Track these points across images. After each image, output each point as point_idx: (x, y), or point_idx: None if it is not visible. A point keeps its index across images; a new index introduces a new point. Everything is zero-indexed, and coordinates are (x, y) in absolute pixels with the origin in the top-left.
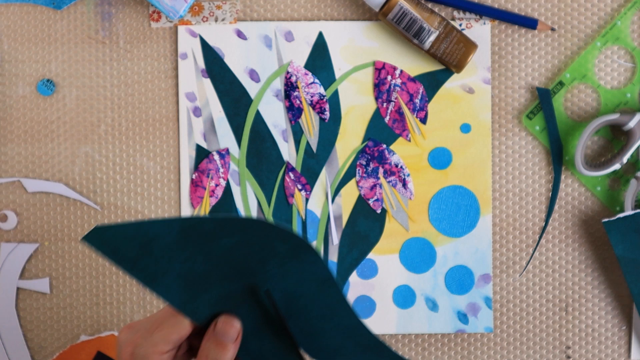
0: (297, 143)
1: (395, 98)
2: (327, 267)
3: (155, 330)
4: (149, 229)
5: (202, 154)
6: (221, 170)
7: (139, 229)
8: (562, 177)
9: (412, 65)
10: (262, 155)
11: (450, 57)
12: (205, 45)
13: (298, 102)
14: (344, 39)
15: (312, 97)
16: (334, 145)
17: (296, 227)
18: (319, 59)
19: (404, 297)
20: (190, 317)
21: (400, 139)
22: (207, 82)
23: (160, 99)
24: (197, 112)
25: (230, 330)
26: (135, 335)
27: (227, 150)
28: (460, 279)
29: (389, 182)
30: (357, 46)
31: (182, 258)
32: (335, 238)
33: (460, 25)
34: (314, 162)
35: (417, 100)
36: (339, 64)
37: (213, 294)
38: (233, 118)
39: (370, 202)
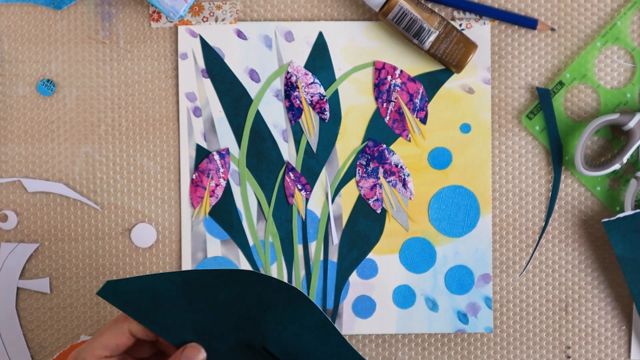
0: (297, 143)
1: (395, 98)
2: (322, 312)
3: (96, 336)
4: (153, 283)
5: (202, 154)
6: (221, 170)
7: (144, 283)
8: (562, 177)
9: (412, 65)
10: (262, 155)
11: (450, 57)
12: (205, 45)
13: (298, 102)
14: (344, 39)
15: (312, 97)
16: (334, 145)
17: (296, 227)
18: (319, 59)
19: (404, 297)
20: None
21: (400, 139)
22: (207, 82)
23: (161, 99)
24: (197, 112)
25: (196, 356)
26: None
27: (227, 150)
28: (460, 279)
29: (389, 182)
30: (357, 46)
31: (189, 310)
32: (335, 238)
33: (460, 25)
34: (314, 162)
35: (417, 100)
36: (339, 64)
37: (225, 343)
38: (233, 118)
39: (370, 202)
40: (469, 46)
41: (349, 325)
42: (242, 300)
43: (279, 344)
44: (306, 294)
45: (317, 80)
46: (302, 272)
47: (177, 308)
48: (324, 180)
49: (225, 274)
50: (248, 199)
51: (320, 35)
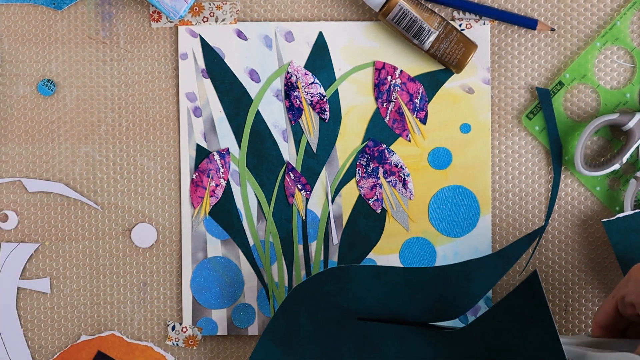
0: (297, 143)
1: (395, 98)
2: (368, 265)
3: None
4: (258, 358)
5: (202, 154)
6: (221, 170)
7: None
8: (562, 177)
9: (412, 65)
10: (262, 155)
11: (450, 57)
12: (205, 46)
13: (298, 102)
14: (344, 39)
15: (312, 97)
16: (334, 145)
17: (296, 227)
18: (319, 59)
19: None
20: None
21: (400, 139)
22: (208, 82)
23: (161, 99)
24: (197, 112)
25: None
26: None
27: (228, 150)
28: None
29: (389, 182)
30: (357, 46)
31: (298, 356)
32: (335, 238)
33: (460, 25)
34: (314, 162)
35: (417, 101)
36: (339, 64)
37: (349, 349)
38: (233, 118)
39: (370, 202)
40: (469, 46)
41: None
42: (318, 312)
43: (369, 313)
44: (344, 265)
45: (317, 80)
46: (303, 272)
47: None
48: (324, 180)
49: (284, 306)
50: (248, 199)
51: (320, 35)
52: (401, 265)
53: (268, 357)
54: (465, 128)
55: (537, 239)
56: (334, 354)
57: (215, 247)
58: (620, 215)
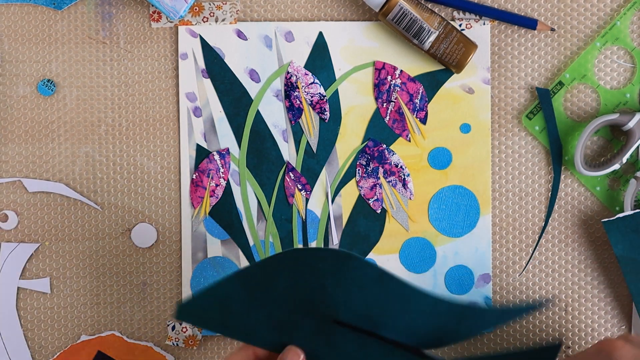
0: (297, 143)
1: (395, 98)
2: (374, 265)
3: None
4: (217, 291)
5: (202, 154)
6: (221, 170)
7: (210, 294)
8: (562, 177)
9: (412, 65)
10: (262, 155)
11: (450, 58)
12: (205, 46)
13: (298, 102)
14: (344, 39)
15: (312, 97)
16: (334, 145)
17: (296, 227)
18: (319, 59)
19: None
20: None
21: (400, 139)
22: (208, 82)
23: (161, 99)
24: (197, 112)
25: (294, 358)
26: None
27: (228, 150)
28: (460, 279)
29: (389, 182)
30: (357, 46)
31: (258, 307)
32: (335, 238)
33: (460, 25)
34: (314, 162)
35: (417, 101)
36: (339, 64)
37: (305, 330)
38: (233, 118)
39: (370, 202)
40: (469, 46)
41: None
42: (300, 282)
43: (351, 312)
44: (352, 253)
45: (317, 80)
46: None
47: (246, 308)
48: (324, 180)
49: (270, 261)
50: (248, 199)
51: (320, 35)
52: (404, 279)
53: (230, 292)
54: (465, 128)
55: (538, 239)
56: (288, 326)
57: (215, 247)
58: (620, 215)
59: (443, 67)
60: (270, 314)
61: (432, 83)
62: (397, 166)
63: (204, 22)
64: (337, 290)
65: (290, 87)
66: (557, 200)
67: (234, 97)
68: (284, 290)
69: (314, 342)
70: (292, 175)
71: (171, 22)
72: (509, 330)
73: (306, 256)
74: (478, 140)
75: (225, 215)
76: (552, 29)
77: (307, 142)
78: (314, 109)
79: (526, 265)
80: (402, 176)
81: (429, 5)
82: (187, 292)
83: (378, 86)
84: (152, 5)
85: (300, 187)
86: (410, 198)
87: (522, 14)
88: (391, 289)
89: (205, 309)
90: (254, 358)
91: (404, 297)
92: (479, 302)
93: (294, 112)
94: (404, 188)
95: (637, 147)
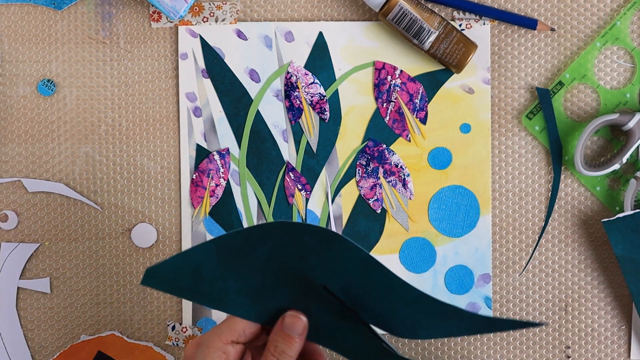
0: (297, 143)
1: (395, 98)
2: (361, 248)
3: (223, 322)
4: (190, 257)
5: (202, 154)
6: (221, 170)
7: (182, 260)
8: (562, 177)
9: (412, 65)
10: (262, 155)
11: (450, 57)
12: (205, 46)
13: (298, 102)
14: (344, 39)
15: (312, 97)
16: (334, 145)
17: None
18: (319, 59)
19: None
20: (264, 324)
21: (400, 139)
22: (208, 82)
23: (161, 99)
24: (197, 112)
25: (297, 323)
26: (204, 334)
27: (227, 150)
28: (460, 279)
29: (389, 182)
30: (357, 46)
31: (232, 275)
32: None
33: (460, 25)
34: (314, 162)
35: (417, 101)
36: (339, 64)
37: (279, 299)
38: (233, 118)
39: (370, 202)
40: (469, 46)
41: None
42: (279, 253)
43: (330, 287)
44: (341, 235)
45: (317, 80)
46: None
47: (220, 277)
48: (324, 180)
49: (254, 230)
50: (248, 199)
51: (320, 35)
52: (394, 271)
53: (204, 259)
54: (465, 128)
55: (538, 239)
56: (262, 294)
57: None
58: (620, 215)
59: (443, 67)
60: (245, 281)
61: (432, 83)
62: (397, 166)
63: (204, 22)
64: (320, 264)
65: (290, 87)
66: (557, 200)
67: (234, 97)
68: (263, 260)
69: (285, 310)
70: (292, 175)
71: (171, 22)
72: (509, 331)
73: (293, 229)
74: (478, 140)
75: (225, 215)
76: (552, 29)
77: (307, 142)
78: (314, 109)
79: (526, 265)
80: (402, 176)
81: (429, 5)
82: None
83: (378, 86)
84: (152, 5)
85: (300, 187)
86: (410, 198)
87: (522, 14)
88: (375, 275)
89: (175, 274)
90: (241, 332)
91: (386, 284)
92: (466, 307)
93: (294, 112)
94: (404, 188)
95: (637, 147)
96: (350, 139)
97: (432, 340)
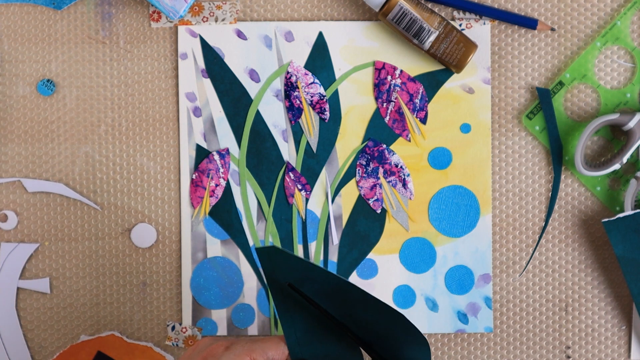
0: (297, 143)
1: (395, 98)
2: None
3: (256, 341)
4: (312, 270)
5: (202, 154)
6: (221, 170)
7: (304, 266)
8: (562, 177)
9: (412, 65)
10: (262, 155)
11: (450, 57)
12: (205, 46)
13: (298, 102)
14: (344, 39)
15: (312, 97)
16: (334, 145)
17: (296, 227)
18: (319, 59)
19: (404, 297)
20: (292, 355)
21: (400, 139)
22: (207, 82)
23: (161, 99)
24: (197, 112)
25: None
26: (234, 340)
27: (227, 150)
28: (460, 279)
29: (389, 182)
30: (357, 46)
31: (316, 306)
32: (335, 238)
33: (460, 25)
34: (314, 162)
35: (417, 100)
36: (339, 64)
37: (323, 349)
38: (233, 118)
39: (370, 202)
40: (469, 46)
41: None
42: (371, 324)
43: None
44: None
45: (317, 80)
46: None
47: (309, 300)
48: (324, 180)
49: (374, 302)
50: (248, 199)
51: (320, 35)
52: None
53: (318, 277)
54: (466, 128)
55: (538, 239)
56: (318, 340)
57: (215, 247)
58: (621, 215)
59: (443, 67)
60: (320, 318)
61: (432, 83)
62: (397, 166)
63: (204, 22)
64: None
65: (290, 87)
66: (557, 200)
67: (233, 97)
68: (354, 320)
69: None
70: (292, 175)
71: (171, 22)
72: (510, 331)
73: (408, 327)
74: (478, 140)
75: (225, 215)
76: (553, 29)
77: (307, 142)
78: (314, 109)
79: (526, 265)
80: (402, 176)
81: (429, 5)
82: (186, 293)
83: (378, 86)
84: (152, 5)
85: (300, 187)
86: (410, 198)
87: (522, 14)
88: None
89: (284, 268)
90: (284, 353)
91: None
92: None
93: (293, 112)
94: (404, 188)
95: (638, 147)
96: (350, 139)
97: (432, 340)
